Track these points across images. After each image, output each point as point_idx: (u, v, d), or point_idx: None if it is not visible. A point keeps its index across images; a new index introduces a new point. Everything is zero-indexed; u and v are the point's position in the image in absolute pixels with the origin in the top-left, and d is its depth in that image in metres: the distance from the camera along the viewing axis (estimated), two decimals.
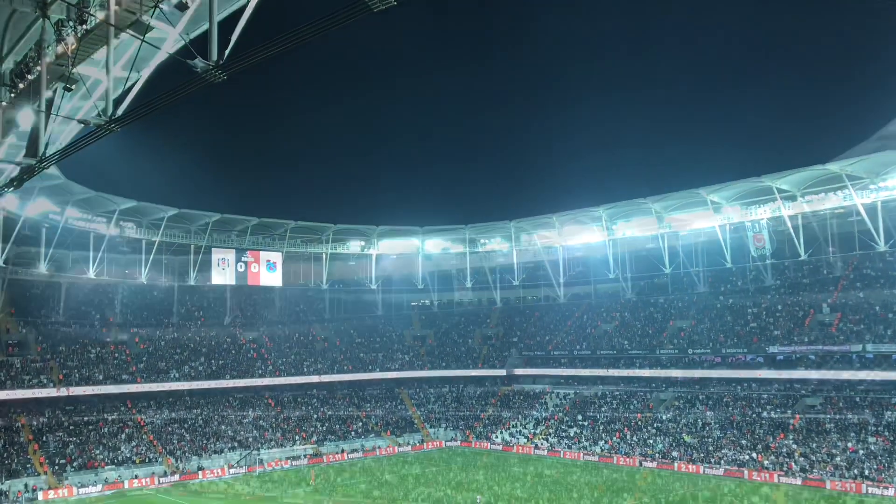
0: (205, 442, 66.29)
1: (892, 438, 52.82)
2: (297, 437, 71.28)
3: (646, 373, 74.22)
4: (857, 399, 59.24)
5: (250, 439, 68.72)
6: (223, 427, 69.78)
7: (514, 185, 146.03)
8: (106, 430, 63.94)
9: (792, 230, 72.43)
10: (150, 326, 79.77)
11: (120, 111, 18.98)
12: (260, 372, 77.12)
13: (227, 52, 15.97)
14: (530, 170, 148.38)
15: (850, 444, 53.84)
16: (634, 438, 66.12)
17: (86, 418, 64.55)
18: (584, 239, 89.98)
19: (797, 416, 60.36)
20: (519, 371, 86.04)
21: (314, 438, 72.04)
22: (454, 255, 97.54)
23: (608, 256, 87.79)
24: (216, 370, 74.93)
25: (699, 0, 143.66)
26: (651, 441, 64.67)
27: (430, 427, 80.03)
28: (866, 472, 50.26)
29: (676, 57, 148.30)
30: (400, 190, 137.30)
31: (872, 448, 52.63)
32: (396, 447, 73.94)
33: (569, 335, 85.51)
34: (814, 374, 61.99)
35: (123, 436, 63.77)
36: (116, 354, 71.70)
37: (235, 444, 67.34)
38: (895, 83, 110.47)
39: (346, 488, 54.48)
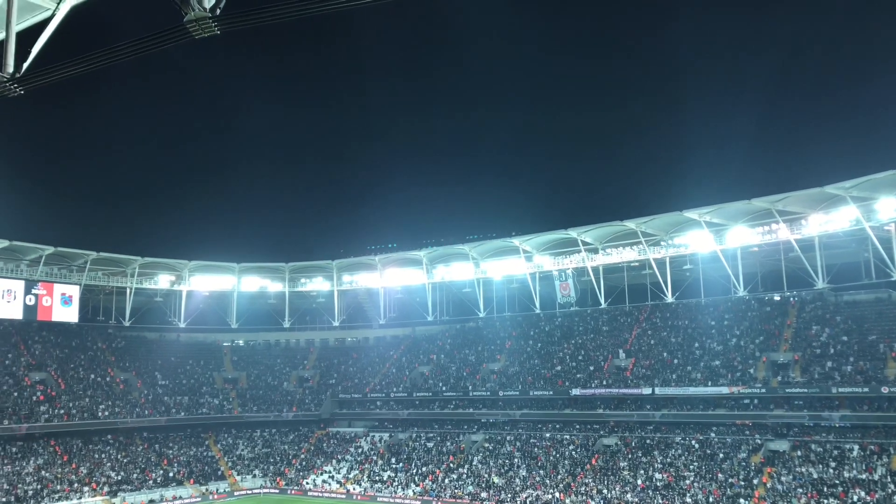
0: None
1: (675, 475, 57.74)
2: (86, 489, 64.76)
3: (459, 414, 75.80)
4: (647, 439, 64.35)
5: (30, 493, 61.42)
6: None
7: (338, 224, 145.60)
8: None
9: (594, 280, 78.37)
10: None
11: None
12: (46, 416, 69.58)
13: (25, 64, 14.61)
14: (355, 209, 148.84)
15: (640, 482, 58.13)
16: (446, 481, 67.01)
17: None
18: (406, 281, 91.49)
19: (596, 455, 64.33)
20: (335, 414, 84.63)
21: (106, 489, 65.85)
22: (273, 293, 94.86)
23: (427, 299, 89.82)
24: None
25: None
26: (461, 482, 65.86)
27: (238, 474, 76.13)
28: None
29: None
30: (217, 225, 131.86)
31: (659, 484, 57.19)
32: (200, 496, 69.48)
33: (387, 377, 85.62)
34: (611, 415, 66.60)
35: None
36: None
37: (12, 500, 59.82)
38: None
39: None
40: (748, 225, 69.77)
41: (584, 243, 78.25)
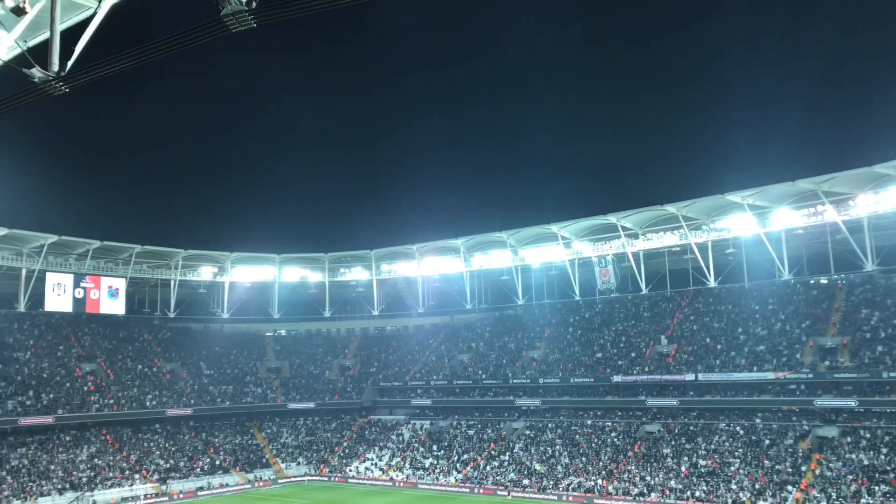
0: (30, 485, 60.33)
1: (719, 461, 57.00)
2: (136, 476, 66.54)
3: (500, 402, 75.84)
4: (691, 426, 63.59)
5: (84, 480, 63.34)
6: (52, 467, 63.93)
7: (376, 214, 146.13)
8: None
9: (634, 266, 77.47)
10: None
11: None
12: (97, 406, 71.57)
13: (69, 63, 14.90)
14: (392, 198, 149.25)
15: (683, 469, 57.53)
16: (488, 468, 67.19)
17: None
18: (443, 269, 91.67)
19: (638, 442, 63.82)
20: (376, 402, 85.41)
21: (155, 477, 67.56)
22: (313, 283, 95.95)
23: (465, 287, 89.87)
24: (47, 405, 68.74)
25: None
26: (503, 470, 65.96)
27: (283, 462, 77.40)
28: (697, 494, 53.83)
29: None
30: (257, 217, 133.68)
31: (703, 471, 56.51)
32: (247, 483, 70.84)
33: (426, 365, 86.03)
34: (653, 402, 65.94)
35: None
36: None
37: (66, 486, 61.80)
38: None
39: None
40: (792, 207, 68.19)
41: (624, 228, 77.34)
